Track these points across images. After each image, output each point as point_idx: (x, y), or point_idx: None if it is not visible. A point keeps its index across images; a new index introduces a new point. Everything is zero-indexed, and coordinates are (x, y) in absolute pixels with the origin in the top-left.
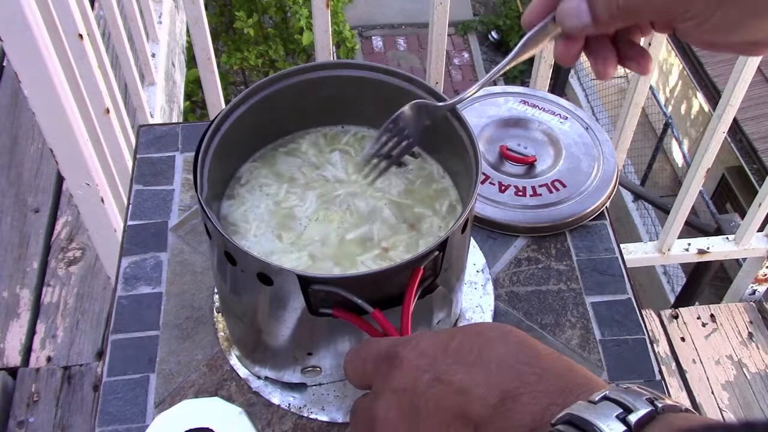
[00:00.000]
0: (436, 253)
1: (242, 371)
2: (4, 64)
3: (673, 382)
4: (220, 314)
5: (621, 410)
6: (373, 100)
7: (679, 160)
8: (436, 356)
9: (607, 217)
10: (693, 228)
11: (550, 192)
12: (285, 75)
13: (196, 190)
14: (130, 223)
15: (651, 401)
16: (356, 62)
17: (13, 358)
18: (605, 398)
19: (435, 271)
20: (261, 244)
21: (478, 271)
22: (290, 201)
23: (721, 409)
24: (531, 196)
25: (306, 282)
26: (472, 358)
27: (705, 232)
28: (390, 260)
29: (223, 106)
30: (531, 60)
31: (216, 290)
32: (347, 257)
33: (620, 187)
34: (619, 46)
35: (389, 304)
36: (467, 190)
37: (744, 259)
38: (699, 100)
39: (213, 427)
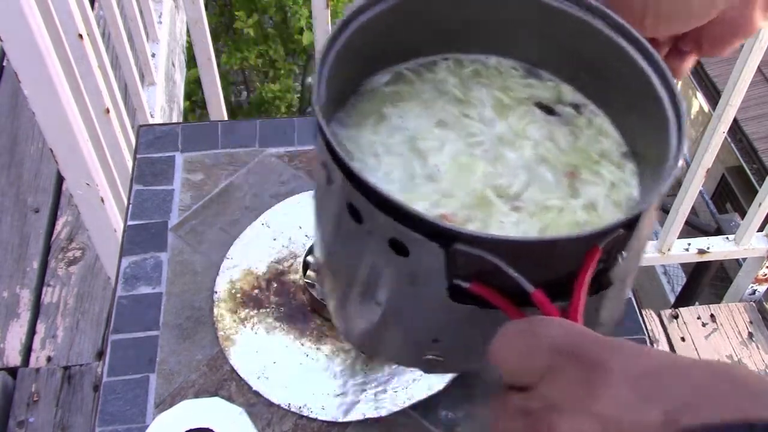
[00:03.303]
0: (621, 231)
1: (242, 371)
2: (4, 64)
3: None
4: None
5: None
6: (534, 30)
7: None
8: (671, 385)
9: None
10: (693, 228)
11: None
12: None
13: (313, 105)
14: (130, 223)
15: None
16: None
17: (13, 358)
18: None
19: (610, 260)
20: (390, 187)
21: None
22: (428, 140)
23: None
24: None
25: (450, 238)
26: (734, 404)
27: (705, 232)
28: (543, 226)
29: (223, 106)
30: None
31: (314, 242)
32: (491, 216)
33: None
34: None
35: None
36: (648, 157)
37: (744, 259)
38: (699, 100)
39: (213, 427)
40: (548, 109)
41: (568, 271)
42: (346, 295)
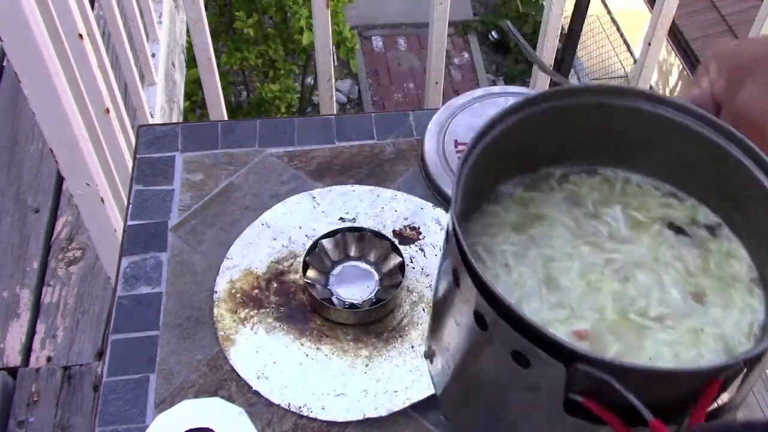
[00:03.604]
0: (742, 366)
1: (242, 371)
2: (4, 64)
3: None
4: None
5: None
6: (668, 148)
7: None
8: None
9: None
10: None
11: None
12: (577, 91)
13: (452, 209)
14: (130, 223)
15: None
16: (670, 99)
17: (13, 358)
18: None
19: (727, 390)
20: (520, 302)
21: None
22: (562, 259)
23: None
24: None
25: (572, 357)
26: None
27: None
28: (670, 353)
29: (223, 106)
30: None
31: (429, 327)
32: (637, 336)
33: None
34: None
35: (661, 414)
36: None
37: None
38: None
39: (213, 427)
40: (679, 230)
41: (683, 397)
42: (456, 385)
